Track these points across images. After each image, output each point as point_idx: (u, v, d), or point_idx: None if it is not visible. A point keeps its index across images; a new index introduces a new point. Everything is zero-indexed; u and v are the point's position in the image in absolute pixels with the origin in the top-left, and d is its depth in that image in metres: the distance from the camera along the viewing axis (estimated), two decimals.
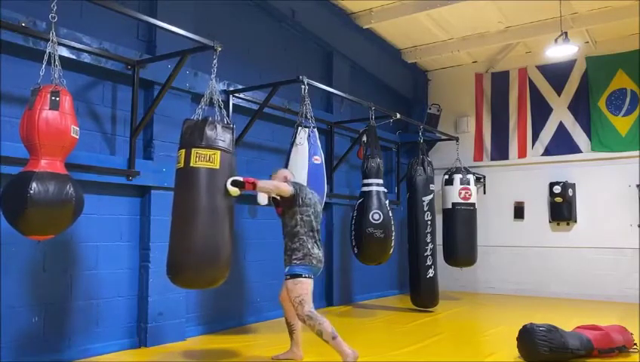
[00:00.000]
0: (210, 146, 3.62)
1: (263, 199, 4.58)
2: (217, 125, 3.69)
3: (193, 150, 3.60)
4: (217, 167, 3.62)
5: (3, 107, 3.92)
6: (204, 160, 3.59)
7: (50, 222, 3.15)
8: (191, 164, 3.59)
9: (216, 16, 5.78)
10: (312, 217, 4.06)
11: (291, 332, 4.31)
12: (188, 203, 3.59)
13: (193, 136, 3.64)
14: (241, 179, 3.73)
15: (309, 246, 3.97)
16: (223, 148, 3.65)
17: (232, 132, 3.80)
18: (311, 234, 4.02)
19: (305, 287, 3.91)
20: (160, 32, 4.78)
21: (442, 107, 9.31)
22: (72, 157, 3.65)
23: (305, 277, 3.92)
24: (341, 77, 7.57)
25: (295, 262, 3.94)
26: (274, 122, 6.36)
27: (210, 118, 3.73)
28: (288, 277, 3.95)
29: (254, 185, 3.79)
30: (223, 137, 3.68)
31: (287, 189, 3.97)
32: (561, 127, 8.58)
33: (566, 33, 6.93)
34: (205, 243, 3.55)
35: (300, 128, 4.93)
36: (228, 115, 3.99)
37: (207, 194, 3.59)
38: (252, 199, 5.68)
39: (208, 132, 3.63)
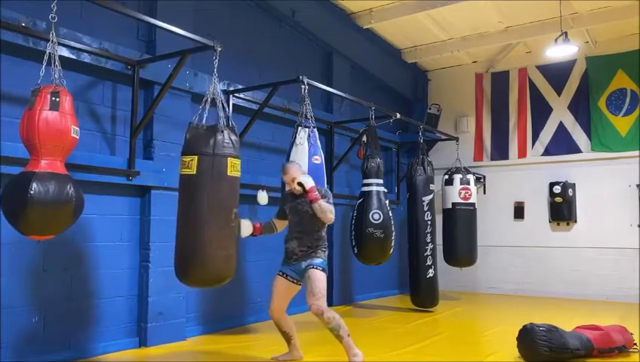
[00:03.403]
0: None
1: (263, 199, 4.58)
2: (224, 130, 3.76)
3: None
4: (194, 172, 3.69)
5: (3, 107, 3.92)
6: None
7: (50, 222, 3.15)
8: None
9: (216, 16, 5.78)
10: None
11: (289, 339, 4.25)
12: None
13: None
14: (310, 184, 4.00)
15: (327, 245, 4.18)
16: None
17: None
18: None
19: (325, 281, 4.00)
20: (160, 32, 4.78)
21: (442, 107, 9.31)
22: (72, 158, 3.65)
23: (326, 271, 4.04)
24: (341, 77, 7.57)
25: (323, 257, 4.07)
26: (274, 122, 6.36)
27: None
28: (320, 268, 3.99)
29: (318, 195, 4.02)
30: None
31: (332, 218, 4.08)
32: (561, 127, 8.58)
33: (566, 33, 6.93)
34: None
35: (299, 128, 4.93)
36: (228, 115, 3.97)
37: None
38: (252, 199, 5.68)
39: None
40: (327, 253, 4.15)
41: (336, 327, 3.85)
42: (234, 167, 3.76)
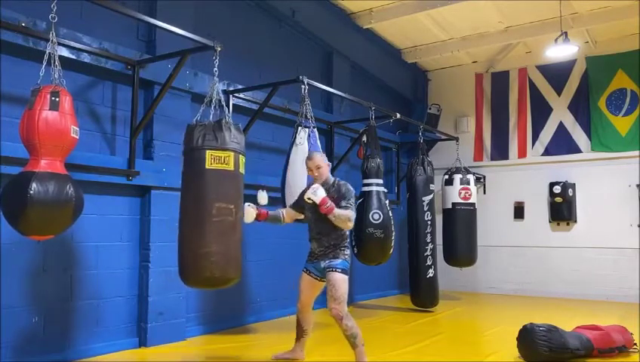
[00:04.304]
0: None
1: (263, 199, 4.55)
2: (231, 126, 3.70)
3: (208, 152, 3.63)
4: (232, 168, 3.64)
5: (3, 107, 3.92)
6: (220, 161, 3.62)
7: (50, 222, 3.15)
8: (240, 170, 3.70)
9: (216, 16, 5.78)
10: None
11: (300, 337, 4.24)
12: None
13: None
14: (321, 197, 3.79)
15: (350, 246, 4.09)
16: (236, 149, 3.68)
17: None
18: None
19: (346, 284, 3.90)
20: (160, 32, 4.77)
21: (442, 107, 9.31)
22: (72, 158, 3.65)
23: (346, 273, 3.93)
24: (341, 77, 7.56)
25: (346, 258, 3.96)
26: (274, 122, 6.36)
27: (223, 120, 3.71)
28: (339, 270, 3.88)
29: (331, 206, 3.82)
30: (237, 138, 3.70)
31: (351, 225, 3.91)
32: (561, 127, 8.58)
33: (566, 33, 6.93)
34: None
35: (299, 128, 4.93)
36: (224, 112, 3.94)
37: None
38: (252, 199, 5.67)
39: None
40: (348, 251, 4.01)
41: (353, 336, 3.83)
42: (217, 160, 3.59)
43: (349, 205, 3.91)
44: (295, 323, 4.29)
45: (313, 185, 3.90)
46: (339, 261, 3.90)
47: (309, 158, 4.13)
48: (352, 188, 4.02)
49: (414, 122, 7.84)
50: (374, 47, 8.31)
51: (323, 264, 3.96)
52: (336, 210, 3.83)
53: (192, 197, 3.61)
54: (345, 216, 3.85)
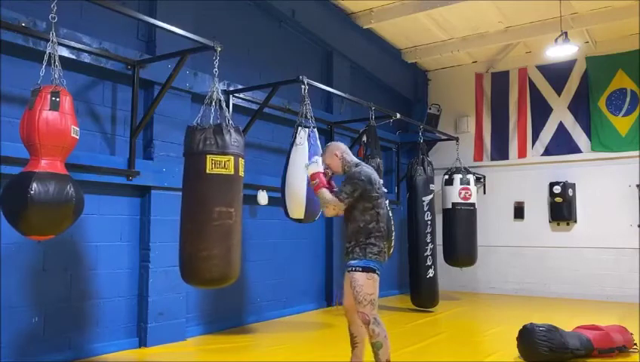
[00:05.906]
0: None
1: (263, 199, 4.55)
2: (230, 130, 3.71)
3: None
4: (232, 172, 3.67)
5: (3, 107, 3.92)
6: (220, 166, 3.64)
7: (50, 223, 3.14)
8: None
9: (216, 16, 5.78)
10: (386, 209, 3.73)
11: (354, 345, 3.83)
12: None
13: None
14: (314, 170, 3.66)
15: (383, 244, 3.59)
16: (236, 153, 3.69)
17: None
18: (385, 228, 3.62)
19: (376, 286, 3.51)
20: (160, 32, 4.78)
21: (442, 107, 9.31)
22: (72, 158, 3.65)
23: (377, 274, 3.52)
24: (341, 77, 7.57)
25: (370, 256, 3.49)
26: (274, 122, 6.36)
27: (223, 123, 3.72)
28: (360, 269, 3.47)
29: (319, 184, 3.61)
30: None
31: (330, 212, 3.55)
32: (561, 127, 8.58)
33: (566, 33, 6.93)
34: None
35: (299, 128, 4.93)
36: (225, 115, 3.94)
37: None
38: (252, 199, 5.68)
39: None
40: (373, 248, 3.52)
41: (378, 345, 3.44)
42: (217, 165, 3.61)
43: (340, 191, 3.56)
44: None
45: (313, 159, 3.75)
46: (356, 260, 3.51)
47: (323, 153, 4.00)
48: (358, 175, 3.58)
49: (414, 122, 7.84)
50: (374, 47, 8.31)
51: (347, 263, 3.64)
52: (320, 190, 3.59)
53: (193, 201, 3.66)
54: (323, 199, 3.57)
